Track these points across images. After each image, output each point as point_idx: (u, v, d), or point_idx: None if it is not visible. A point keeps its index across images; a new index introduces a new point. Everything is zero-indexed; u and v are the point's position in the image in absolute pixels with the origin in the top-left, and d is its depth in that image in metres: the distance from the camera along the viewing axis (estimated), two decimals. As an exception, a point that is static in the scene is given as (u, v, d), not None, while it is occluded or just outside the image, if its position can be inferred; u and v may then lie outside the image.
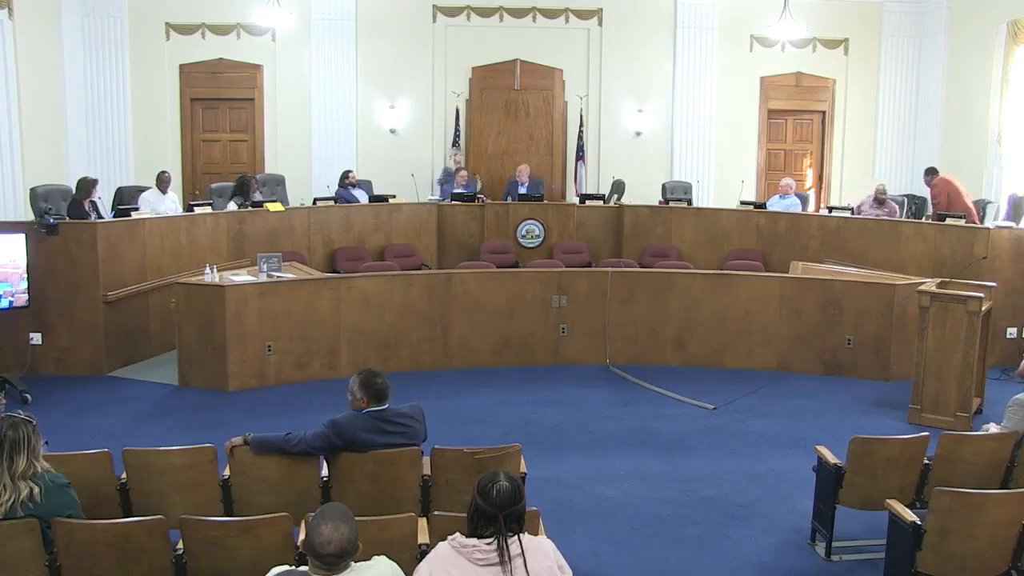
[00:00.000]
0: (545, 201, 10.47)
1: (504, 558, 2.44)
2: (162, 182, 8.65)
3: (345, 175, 10.19)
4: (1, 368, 6.69)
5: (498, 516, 2.48)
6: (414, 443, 3.79)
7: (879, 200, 9.38)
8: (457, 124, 11.61)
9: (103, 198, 8.48)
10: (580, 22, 11.77)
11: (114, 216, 7.78)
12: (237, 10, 11.15)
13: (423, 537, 3.17)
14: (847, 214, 9.49)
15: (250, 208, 8.79)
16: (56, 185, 8.21)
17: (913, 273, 7.82)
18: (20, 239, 6.46)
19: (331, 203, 9.75)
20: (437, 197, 10.75)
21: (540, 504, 3.26)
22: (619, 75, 11.83)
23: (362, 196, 10.11)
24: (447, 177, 10.99)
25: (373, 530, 2.95)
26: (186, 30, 11.29)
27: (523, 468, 3.88)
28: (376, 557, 2.60)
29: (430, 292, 7.33)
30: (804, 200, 10.57)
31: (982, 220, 9.07)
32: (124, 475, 3.69)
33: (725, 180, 11.74)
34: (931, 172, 9.34)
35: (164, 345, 7.44)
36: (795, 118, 12.37)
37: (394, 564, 2.60)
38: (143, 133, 11.30)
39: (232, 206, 8.85)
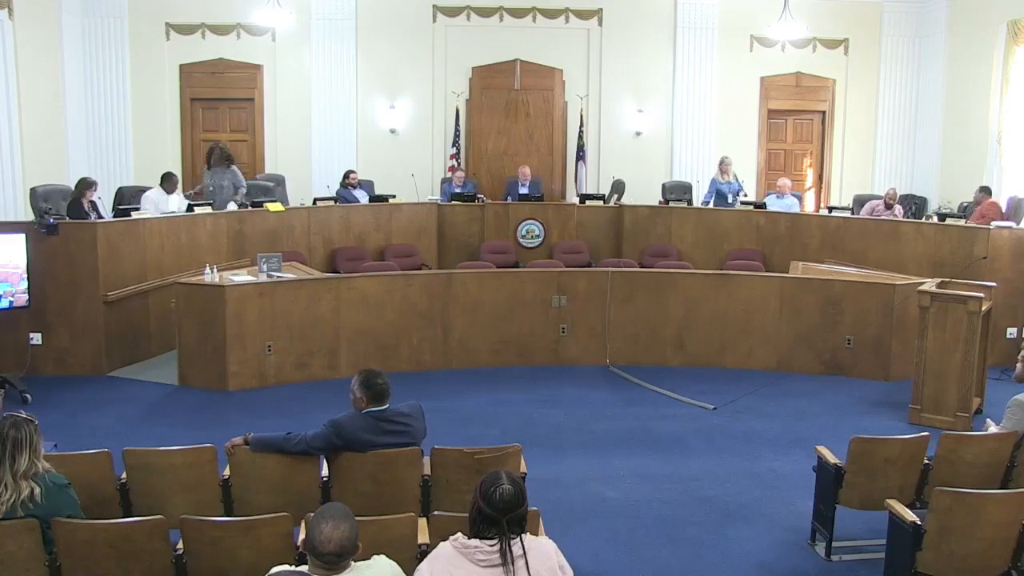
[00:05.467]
0: (546, 201, 10.49)
1: (507, 560, 2.44)
2: (169, 183, 8.60)
3: (347, 175, 10.19)
4: (1, 368, 6.68)
5: (501, 519, 2.48)
6: (414, 442, 3.79)
7: (888, 205, 9.35)
8: (457, 124, 11.61)
9: (103, 198, 8.48)
10: (580, 22, 11.78)
11: (114, 216, 7.78)
12: (237, 10, 11.15)
13: (423, 537, 3.17)
14: (847, 214, 9.49)
15: (249, 208, 8.81)
16: (56, 185, 8.21)
17: (913, 273, 7.81)
18: (20, 239, 6.46)
19: (331, 203, 9.75)
20: (438, 197, 10.75)
21: (540, 504, 3.26)
22: (619, 75, 11.83)
23: (363, 197, 10.11)
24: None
25: (373, 530, 2.94)
26: (186, 30, 11.30)
27: (523, 468, 3.88)
28: (376, 557, 2.60)
29: (430, 292, 7.33)
30: (798, 200, 10.57)
31: None
32: (124, 475, 3.69)
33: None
34: (987, 191, 9.05)
35: (164, 345, 7.44)
36: (795, 118, 12.37)
37: (394, 564, 2.60)
38: (143, 133, 11.31)
39: (232, 206, 8.86)
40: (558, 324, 7.50)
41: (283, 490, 3.72)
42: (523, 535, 2.52)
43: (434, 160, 11.74)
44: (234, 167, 9.36)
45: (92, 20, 10.96)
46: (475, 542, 2.48)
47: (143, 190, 8.86)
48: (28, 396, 6.27)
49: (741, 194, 10.51)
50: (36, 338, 6.93)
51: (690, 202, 10.68)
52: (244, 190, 9.26)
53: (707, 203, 10.51)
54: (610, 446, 5.67)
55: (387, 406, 3.77)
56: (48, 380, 6.80)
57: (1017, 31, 10.00)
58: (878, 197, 9.72)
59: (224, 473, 3.78)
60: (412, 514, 3.21)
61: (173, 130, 11.53)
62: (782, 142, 12.43)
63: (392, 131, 11.70)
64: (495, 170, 11.83)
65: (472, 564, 2.45)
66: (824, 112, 12.30)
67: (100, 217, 7.79)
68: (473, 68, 11.70)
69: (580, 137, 11.75)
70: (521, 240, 10.07)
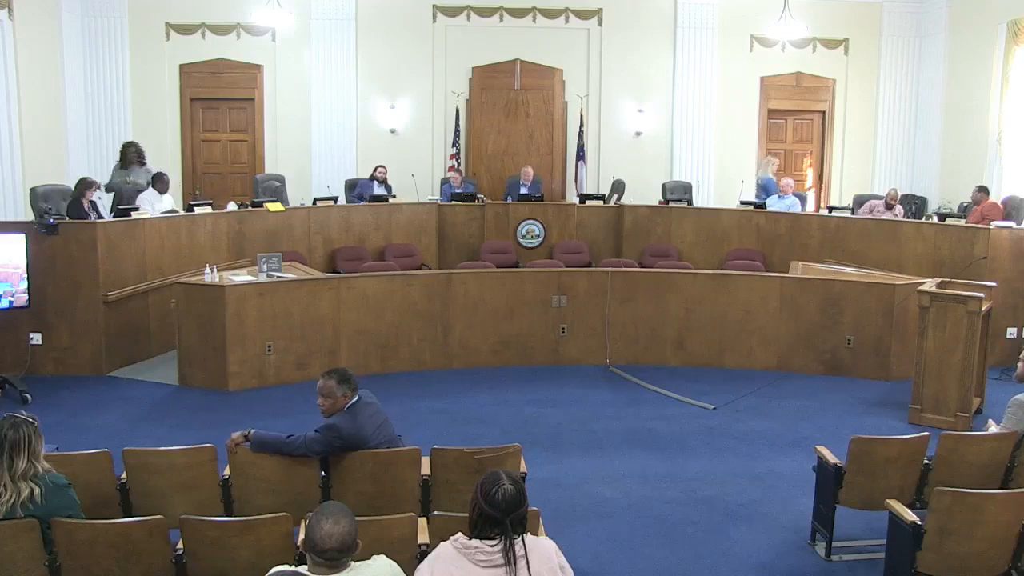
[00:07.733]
0: (546, 201, 10.49)
1: (508, 560, 2.44)
2: (161, 183, 8.59)
3: (376, 169, 10.30)
4: (1, 368, 6.68)
5: (503, 520, 2.48)
6: (387, 419, 3.94)
7: (889, 205, 9.35)
8: (457, 124, 11.61)
9: (103, 198, 8.47)
10: (580, 22, 11.78)
11: (114, 216, 7.78)
12: (237, 10, 11.15)
13: (423, 537, 3.17)
14: (847, 214, 9.49)
15: (250, 208, 8.80)
16: (56, 185, 8.20)
17: (913, 273, 7.81)
18: (20, 239, 6.46)
19: (331, 203, 9.77)
20: (438, 197, 10.76)
21: (540, 504, 3.26)
22: (619, 75, 11.84)
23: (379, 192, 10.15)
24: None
25: (373, 530, 2.94)
26: (186, 30, 11.30)
27: (523, 468, 3.89)
28: (376, 557, 2.60)
29: (430, 292, 7.33)
30: (803, 200, 10.57)
31: None
32: (124, 475, 3.69)
33: (725, 180, 11.75)
34: (984, 191, 9.03)
35: (164, 345, 7.44)
36: (795, 118, 12.37)
37: (393, 563, 2.61)
38: (143, 133, 11.25)
39: (232, 206, 8.85)
40: (558, 324, 7.50)
41: (283, 490, 3.72)
42: (524, 535, 2.53)
43: (434, 160, 11.74)
44: (147, 166, 9.12)
45: (92, 20, 10.95)
46: (475, 543, 2.48)
47: (142, 190, 8.85)
48: (28, 396, 6.28)
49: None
50: (36, 338, 6.93)
51: (690, 202, 10.68)
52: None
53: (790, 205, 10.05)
54: (610, 446, 5.67)
55: (359, 395, 3.89)
56: (48, 380, 6.80)
57: (1017, 31, 10.00)
58: (878, 197, 9.71)
59: (224, 473, 3.78)
60: (412, 514, 3.22)
61: (173, 130, 11.53)
62: (782, 142, 12.42)
63: (392, 131, 11.70)
64: (495, 170, 11.84)
65: (472, 564, 2.45)
66: (824, 112, 12.30)
67: (100, 217, 7.79)
68: (473, 68, 11.70)
69: (580, 137, 11.75)
70: (521, 240, 10.07)
